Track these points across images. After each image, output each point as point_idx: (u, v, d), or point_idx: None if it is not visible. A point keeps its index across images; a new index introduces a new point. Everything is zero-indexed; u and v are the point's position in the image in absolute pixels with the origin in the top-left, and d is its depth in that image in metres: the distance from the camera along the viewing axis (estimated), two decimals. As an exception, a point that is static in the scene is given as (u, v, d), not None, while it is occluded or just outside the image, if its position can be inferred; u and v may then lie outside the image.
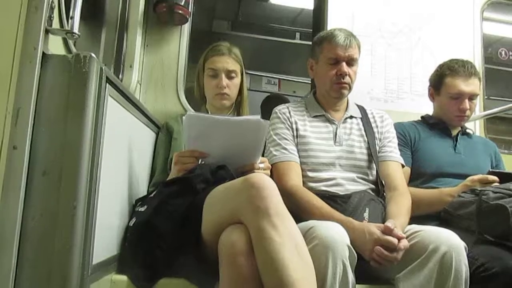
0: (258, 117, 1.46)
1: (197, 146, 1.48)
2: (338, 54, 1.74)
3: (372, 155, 1.76)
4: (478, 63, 2.69)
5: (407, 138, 1.99)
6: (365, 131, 1.81)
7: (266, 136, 1.78)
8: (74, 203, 1.08)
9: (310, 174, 1.71)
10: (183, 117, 1.43)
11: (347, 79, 1.76)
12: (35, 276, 1.06)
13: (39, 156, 1.10)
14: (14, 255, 1.04)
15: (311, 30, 2.93)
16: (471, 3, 2.81)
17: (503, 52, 5.37)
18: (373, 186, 1.73)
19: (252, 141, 1.50)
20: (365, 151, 1.77)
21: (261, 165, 1.55)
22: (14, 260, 1.04)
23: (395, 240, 1.31)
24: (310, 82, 2.75)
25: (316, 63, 1.85)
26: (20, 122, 1.07)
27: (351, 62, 1.77)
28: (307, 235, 1.27)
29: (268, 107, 2.60)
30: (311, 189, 1.64)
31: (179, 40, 2.35)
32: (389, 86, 2.63)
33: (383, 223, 1.40)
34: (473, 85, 1.97)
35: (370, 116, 1.89)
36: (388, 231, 1.33)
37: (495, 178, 1.71)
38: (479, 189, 1.62)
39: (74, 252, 1.07)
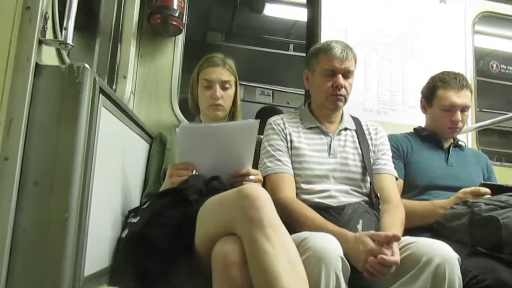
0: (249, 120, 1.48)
1: (191, 157, 1.48)
2: (335, 66, 1.75)
3: (366, 168, 1.76)
4: (470, 76, 2.71)
5: (400, 150, 2.00)
6: (359, 143, 1.82)
7: (261, 147, 1.79)
8: (66, 214, 1.07)
9: (303, 186, 1.71)
10: (177, 129, 1.43)
11: (342, 91, 1.76)
12: (25, 288, 1.05)
13: (31, 166, 1.09)
14: (4, 266, 1.03)
15: (305, 41, 2.95)
16: (463, 16, 2.84)
17: (494, 65, 5.43)
18: (366, 199, 1.73)
19: (244, 144, 1.52)
20: (359, 163, 1.77)
21: (252, 177, 1.55)
22: (4, 271, 1.03)
23: (388, 252, 1.31)
24: (303, 93, 2.76)
25: (312, 75, 1.85)
26: (12, 132, 1.07)
27: (347, 74, 1.77)
28: (300, 247, 1.26)
29: (262, 119, 2.60)
30: (304, 201, 1.64)
31: (173, 51, 2.35)
32: (382, 98, 2.65)
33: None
34: (465, 97, 1.99)
35: (364, 128, 1.89)
36: (386, 241, 1.33)
37: (487, 190, 1.72)
38: (471, 201, 1.63)
39: (66, 263, 1.06)
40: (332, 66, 1.75)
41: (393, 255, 1.31)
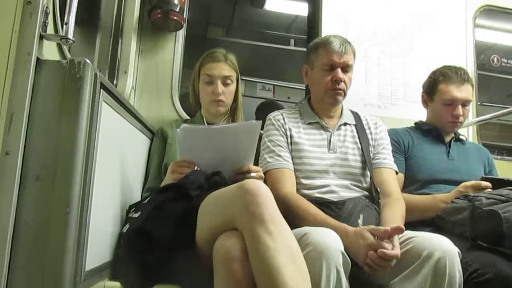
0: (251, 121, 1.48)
1: (192, 157, 1.49)
2: (334, 61, 1.75)
3: (366, 162, 1.76)
4: (471, 70, 2.71)
5: (400, 144, 2.00)
6: (359, 138, 1.82)
7: (261, 143, 1.79)
8: (67, 209, 1.07)
9: (304, 181, 1.71)
10: (177, 130, 1.43)
11: (342, 85, 1.76)
12: (27, 282, 1.06)
13: (32, 161, 1.09)
14: (6, 261, 1.04)
15: (306, 36, 2.94)
16: (464, 10, 2.83)
17: (495, 59, 5.42)
18: (366, 193, 1.73)
19: (246, 144, 1.52)
20: (359, 158, 1.77)
21: (253, 174, 1.55)
22: (6, 266, 1.04)
23: (389, 246, 1.31)
24: (304, 88, 2.76)
25: (311, 69, 1.85)
26: (13, 127, 1.07)
27: (346, 68, 1.77)
28: (301, 242, 1.26)
29: (262, 113, 2.61)
30: (305, 196, 1.64)
31: (174, 46, 2.35)
32: (383, 92, 2.64)
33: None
34: (466, 91, 1.99)
35: (364, 122, 1.89)
36: (387, 235, 1.33)
37: (488, 184, 1.72)
38: (472, 195, 1.63)
39: (67, 258, 1.07)
40: (331, 60, 1.75)
41: (394, 248, 1.32)
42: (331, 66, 1.75)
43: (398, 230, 1.32)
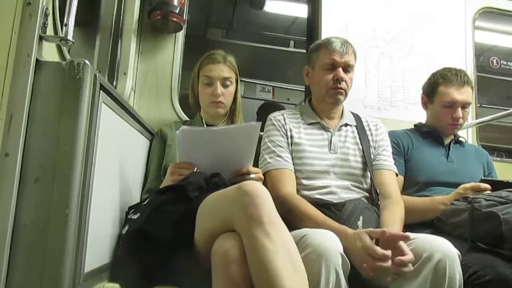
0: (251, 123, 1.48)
1: (192, 159, 1.49)
2: (335, 60, 1.76)
3: (367, 163, 1.76)
4: (470, 72, 2.71)
5: (400, 146, 2.00)
6: (359, 139, 1.82)
7: (261, 143, 1.79)
8: (66, 211, 1.07)
9: (304, 182, 1.71)
10: (177, 132, 1.43)
11: (343, 84, 1.77)
12: (26, 284, 1.06)
13: (31, 163, 1.09)
14: (5, 262, 1.04)
15: (305, 38, 2.95)
16: (463, 12, 2.84)
17: (494, 61, 5.42)
18: (367, 194, 1.73)
19: (245, 146, 1.52)
20: (359, 159, 1.77)
21: (252, 176, 1.55)
22: (5, 268, 1.04)
23: (381, 251, 1.30)
24: (304, 89, 2.76)
25: (312, 70, 1.86)
26: (12, 128, 1.07)
27: (347, 68, 1.78)
28: (300, 243, 1.26)
29: (263, 114, 2.61)
30: (305, 197, 1.64)
31: (174, 48, 2.35)
32: (383, 94, 2.64)
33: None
34: (466, 94, 1.99)
35: (364, 124, 1.90)
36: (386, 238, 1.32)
37: (487, 186, 1.72)
38: (471, 197, 1.63)
39: (66, 260, 1.06)
40: (332, 59, 1.76)
41: (404, 253, 1.29)
42: (332, 65, 1.77)
43: (404, 238, 1.31)
